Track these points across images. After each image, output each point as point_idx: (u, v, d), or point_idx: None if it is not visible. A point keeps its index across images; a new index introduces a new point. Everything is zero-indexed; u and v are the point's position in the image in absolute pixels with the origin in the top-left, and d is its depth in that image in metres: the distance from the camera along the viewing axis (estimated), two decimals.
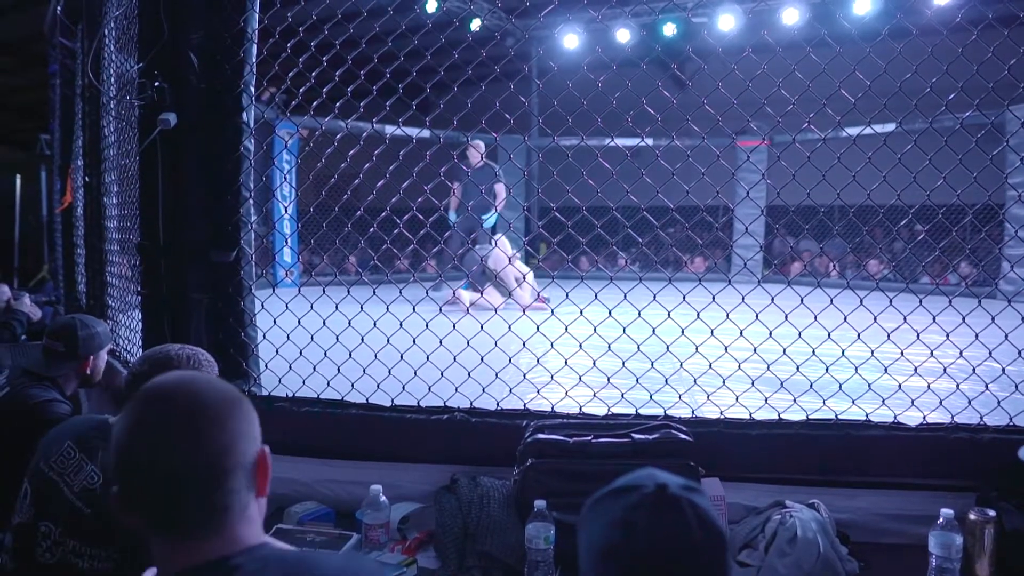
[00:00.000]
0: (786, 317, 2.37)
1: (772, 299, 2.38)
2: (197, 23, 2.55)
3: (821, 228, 7.73)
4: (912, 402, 2.35)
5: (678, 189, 2.59)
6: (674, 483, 0.92)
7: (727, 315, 2.39)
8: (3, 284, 4.32)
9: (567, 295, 2.50)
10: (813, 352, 2.42)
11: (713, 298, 2.40)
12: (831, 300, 2.36)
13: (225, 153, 2.58)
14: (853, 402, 2.38)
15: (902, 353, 2.37)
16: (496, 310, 2.61)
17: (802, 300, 2.38)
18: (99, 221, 3.95)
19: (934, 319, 2.31)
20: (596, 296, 2.44)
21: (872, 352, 2.39)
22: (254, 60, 2.63)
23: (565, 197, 2.70)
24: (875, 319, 2.34)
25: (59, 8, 5.06)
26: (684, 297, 2.39)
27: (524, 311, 2.62)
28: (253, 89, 2.63)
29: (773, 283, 2.54)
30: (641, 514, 0.90)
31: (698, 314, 2.43)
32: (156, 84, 2.48)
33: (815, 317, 2.36)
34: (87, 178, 4.20)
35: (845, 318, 2.34)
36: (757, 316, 2.37)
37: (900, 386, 2.39)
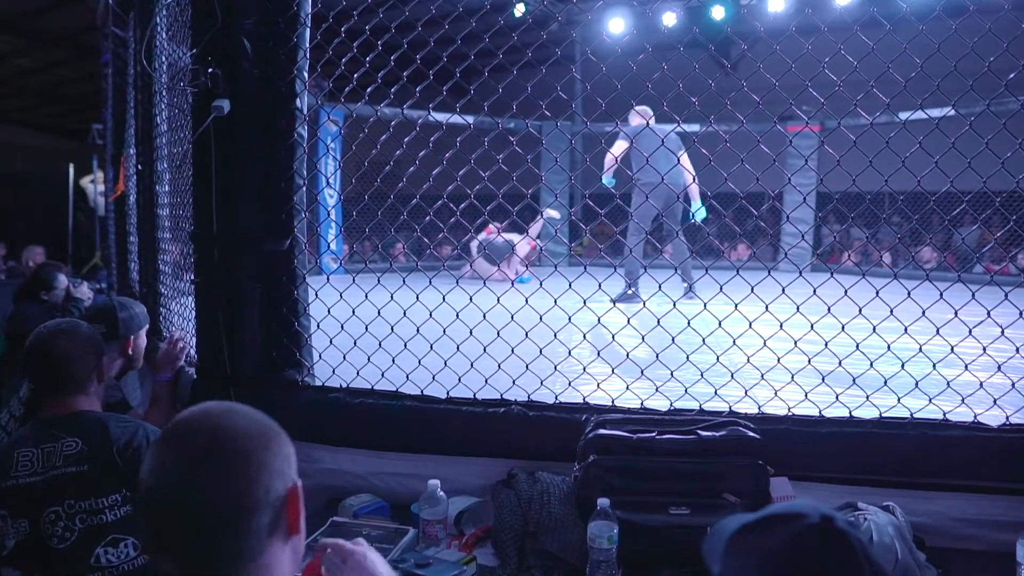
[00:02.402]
0: (860, 311, 2.25)
1: (845, 292, 2.26)
2: (250, 8, 2.51)
3: (873, 216, 7.49)
4: (995, 401, 2.23)
5: (733, 176, 2.48)
6: (839, 516, 0.85)
7: (797, 308, 2.29)
8: (61, 273, 4.38)
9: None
10: (888, 347, 2.30)
11: (783, 290, 2.30)
12: (908, 293, 2.23)
13: (279, 140, 2.55)
14: (930, 400, 2.26)
15: (984, 350, 2.24)
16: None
17: (877, 293, 2.26)
18: (151, 209, 3.97)
19: (1021, 314, 2.17)
20: (660, 287, 2.35)
21: (952, 348, 2.26)
22: (307, 45, 2.59)
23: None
24: (956, 313, 2.21)
25: None
26: (752, 289, 2.29)
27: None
28: (306, 75, 2.59)
29: (843, 273, 2.42)
30: (808, 545, 0.83)
31: (767, 307, 2.32)
32: (209, 71, 2.45)
33: (891, 311, 2.24)
34: (139, 166, 4.23)
35: (923, 312, 2.21)
36: (829, 309, 2.26)
37: (982, 384, 2.26)
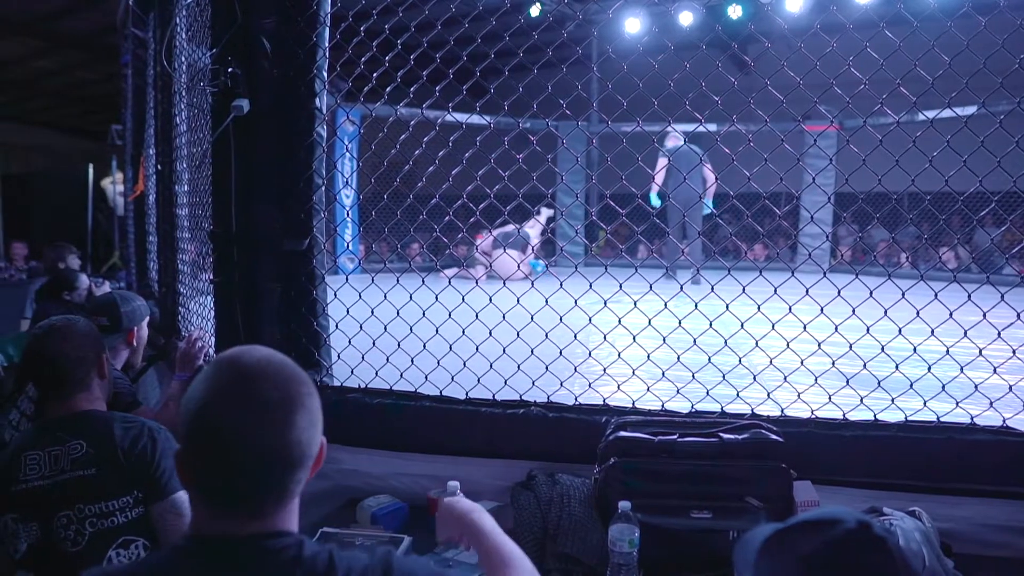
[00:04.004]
0: (885, 312, 2.21)
1: (871, 293, 2.23)
2: (270, 8, 2.51)
3: (895, 216, 7.39)
4: None
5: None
6: (876, 522, 0.83)
7: (821, 309, 2.25)
8: (82, 273, 4.41)
9: (651, 287, 2.39)
10: (915, 349, 2.26)
11: (807, 291, 2.26)
12: (936, 295, 2.19)
13: (298, 140, 2.55)
14: (958, 403, 2.22)
15: (1014, 352, 2.20)
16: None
17: (903, 294, 2.22)
18: (170, 209, 3.99)
19: None
20: (682, 288, 2.33)
21: (980, 351, 2.22)
22: (327, 44, 2.59)
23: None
24: (984, 315, 2.17)
25: None
26: (775, 290, 2.26)
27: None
28: (326, 74, 2.59)
29: (866, 275, 2.38)
30: (846, 551, 0.81)
31: (790, 308, 2.29)
32: (229, 70, 2.45)
33: (917, 312, 2.20)
34: (159, 166, 4.26)
35: (951, 314, 2.17)
36: (854, 311, 2.23)
37: (1011, 387, 2.22)
